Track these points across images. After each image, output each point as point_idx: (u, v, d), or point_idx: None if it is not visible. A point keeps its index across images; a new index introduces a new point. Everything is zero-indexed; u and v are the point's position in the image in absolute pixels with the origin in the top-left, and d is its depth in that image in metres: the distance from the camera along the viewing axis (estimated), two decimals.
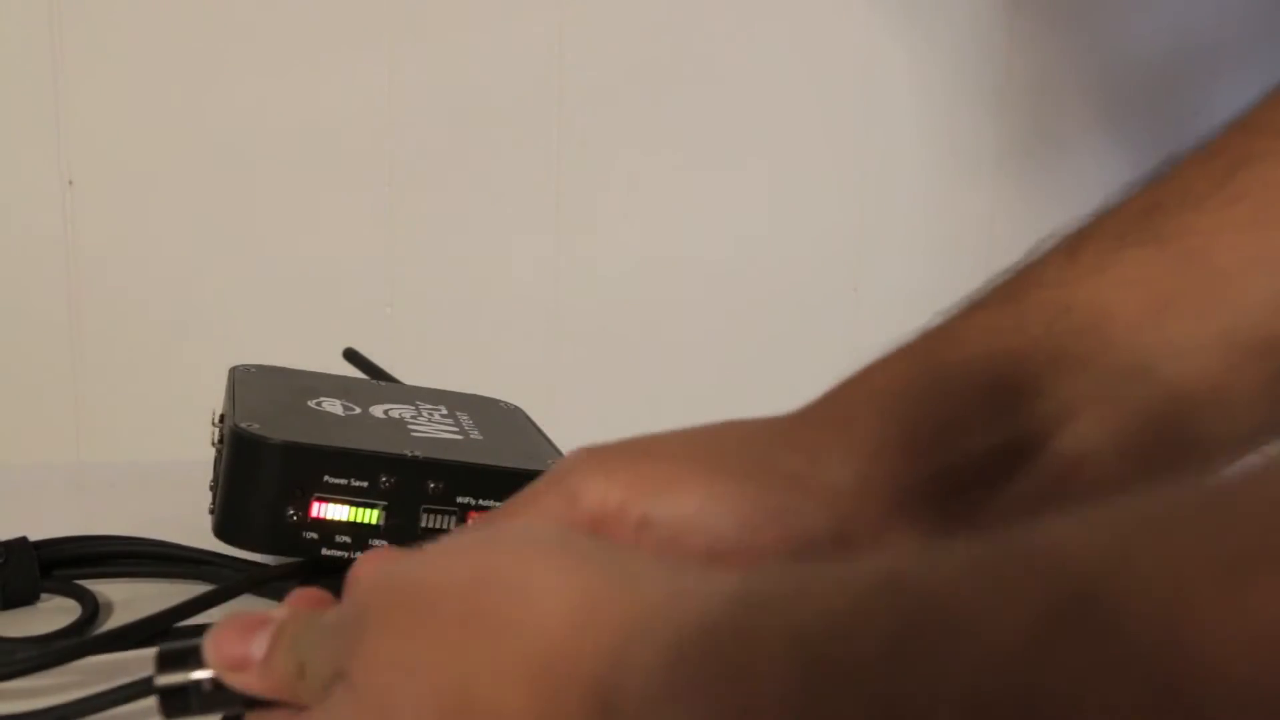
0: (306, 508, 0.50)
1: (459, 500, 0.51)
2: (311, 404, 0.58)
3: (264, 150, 0.91)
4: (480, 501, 0.51)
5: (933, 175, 0.96)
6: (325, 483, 0.50)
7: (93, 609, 0.51)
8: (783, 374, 0.97)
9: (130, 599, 0.53)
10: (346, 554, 0.50)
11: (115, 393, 0.93)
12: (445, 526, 0.50)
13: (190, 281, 0.92)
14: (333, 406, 0.57)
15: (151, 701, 0.33)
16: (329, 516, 0.50)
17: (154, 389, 0.93)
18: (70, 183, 0.90)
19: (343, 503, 0.50)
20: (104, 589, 0.53)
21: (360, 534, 0.50)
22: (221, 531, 0.51)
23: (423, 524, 0.50)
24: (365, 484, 0.50)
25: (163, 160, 0.90)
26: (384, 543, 0.50)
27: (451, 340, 0.88)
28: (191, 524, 0.57)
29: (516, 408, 0.65)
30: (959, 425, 0.37)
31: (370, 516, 0.50)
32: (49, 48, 0.88)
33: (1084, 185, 0.94)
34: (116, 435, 0.93)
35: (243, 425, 0.52)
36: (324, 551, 0.50)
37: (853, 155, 0.95)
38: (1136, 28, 0.95)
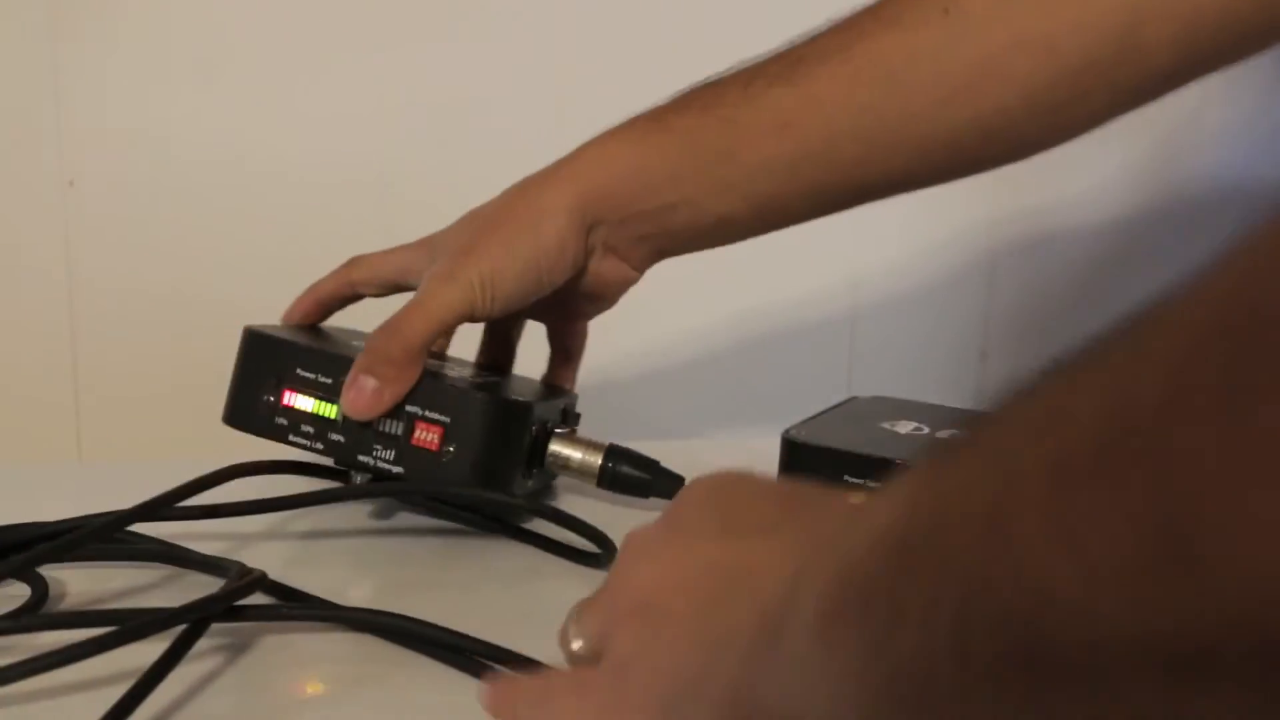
0: (279, 396, 0.59)
1: (408, 409, 0.57)
2: (324, 328, 0.66)
3: (263, 151, 0.91)
4: (425, 412, 0.57)
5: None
6: (296, 375, 0.59)
7: (41, 594, 0.50)
8: (783, 372, 0.97)
9: (89, 587, 0.52)
10: (308, 444, 0.58)
11: (115, 393, 0.93)
12: (394, 431, 0.57)
13: (190, 281, 0.92)
14: (340, 334, 0.66)
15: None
16: (297, 406, 0.59)
17: (154, 389, 0.93)
18: (70, 183, 0.90)
19: (309, 396, 0.58)
20: (65, 575, 0.53)
21: (320, 425, 0.58)
22: (227, 416, 0.63)
23: (376, 426, 0.57)
24: (329, 381, 0.58)
25: (163, 160, 0.90)
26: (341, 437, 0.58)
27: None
28: (191, 524, 0.57)
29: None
30: (645, 193, 0.59)
31: (330, 411, 0.58)
32: (49, 48, 0.88)
33: (1083, 183, 0.94)
34: (116, 435, 0.93)
35: (252, 326, 0.63)
36: (290, 438, 0.59)
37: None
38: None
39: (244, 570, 0.50)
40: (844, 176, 0.60)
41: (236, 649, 0.48)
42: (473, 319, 0.60)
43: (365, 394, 0.56)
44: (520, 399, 0.59)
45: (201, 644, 0.46)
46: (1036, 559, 0.21)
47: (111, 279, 0.91)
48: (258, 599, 0.50)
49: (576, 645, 0.39)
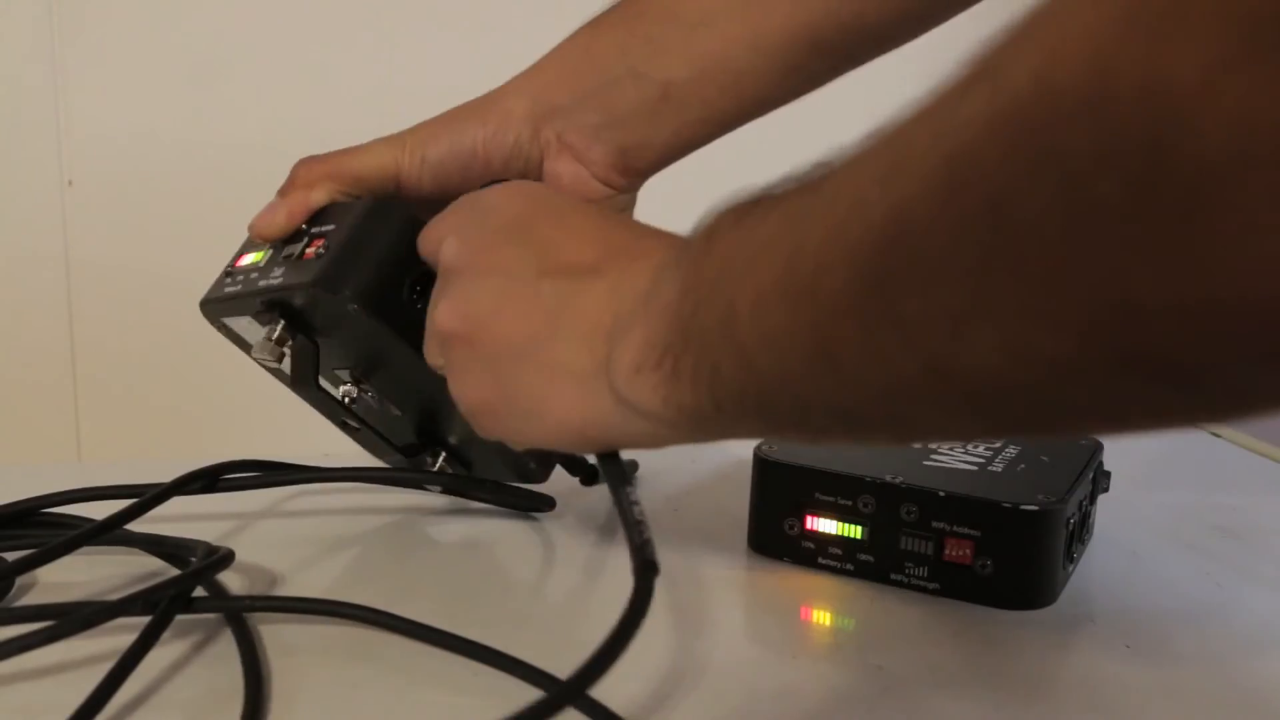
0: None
1: (310, 230, 0.54)
2: None
3: (263, 150, 0.91)
4: (318, 228, 0.54)
5: None
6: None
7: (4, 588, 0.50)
8: None
9: (66, 578, 0.53)
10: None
11: (114, 393, 0.92)
12: (295, 253, 0.53)
13: (189, 281, 0.92)
14: None
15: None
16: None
17: (153, 389, 0.93)
18: (70, 183, 0.90)
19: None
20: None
21: None
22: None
23: (284, 252, 0.54)
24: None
25: (162, 161, 0.90)
26: None
27: None
28: (192, 524, 0.57)
29: None
30: (591, 69, 0.57)
31: None
32: (49, 49, 0.88)
33: None
34: (116, 435, 0.93)
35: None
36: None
37: None
38: None
39: (210, 549, 0.51)
40: (786, 23, 0.55)
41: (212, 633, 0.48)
42: (399, 183, 0.57)
43: (267, 212, 0.56)
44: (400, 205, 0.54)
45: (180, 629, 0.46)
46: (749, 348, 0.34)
47: (111, 278, 0.91)
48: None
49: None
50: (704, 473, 0.70)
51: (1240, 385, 0.24)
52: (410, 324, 0.50)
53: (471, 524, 0.61)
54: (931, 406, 0.31)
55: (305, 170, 0.57)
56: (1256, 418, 0.26)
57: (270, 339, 0.53)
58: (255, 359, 0.55)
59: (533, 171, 0.57)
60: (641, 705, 0.45)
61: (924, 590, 0.54)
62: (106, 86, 0.89)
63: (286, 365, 0.54)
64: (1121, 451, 0.60)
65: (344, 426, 0.60)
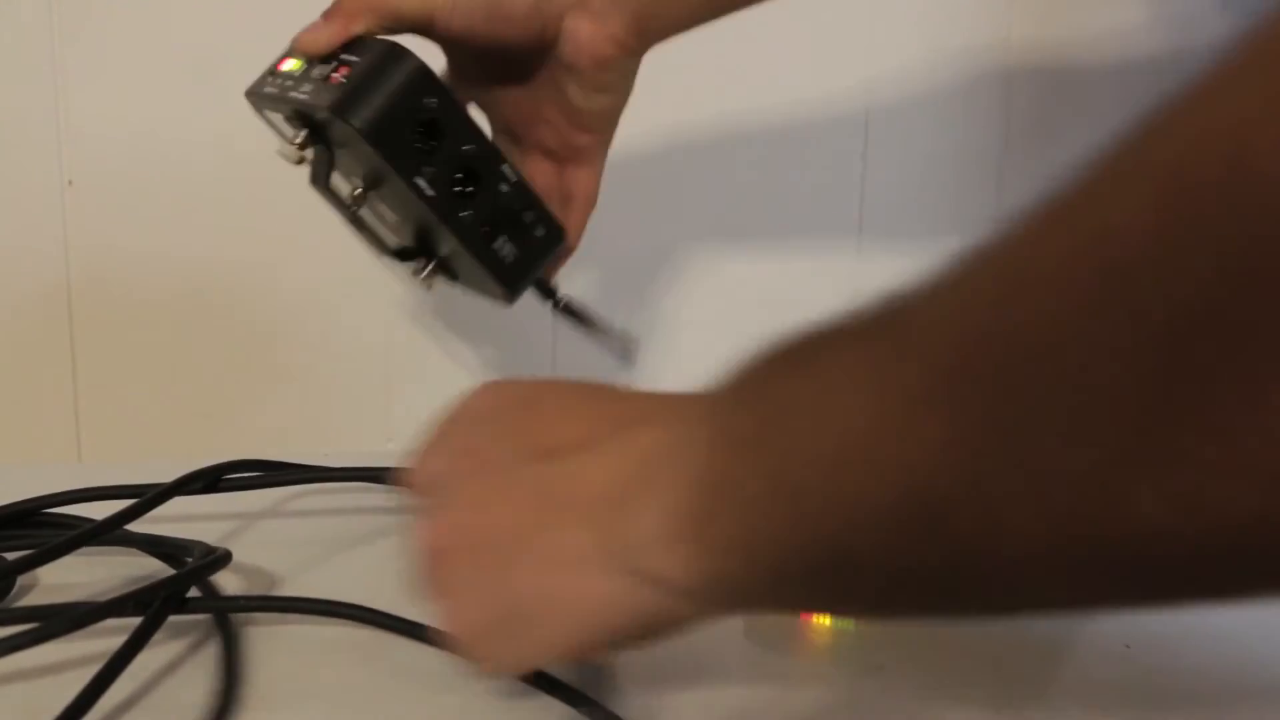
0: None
1: (341, 55, 0.58)
2: None
3: (263, 151, 0.91)
4: (347, 56, 0.58)
5: (935, 170, 0.96)
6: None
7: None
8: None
9: (65, 579, 0.53)
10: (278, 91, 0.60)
11: (115, 393, 0.92)
12: (324, 75, 0.57)
13: (190, 282, 0.92)
14: None
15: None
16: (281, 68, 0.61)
17: (154, 389, 0.93)
18: (70, 182, 0.90)
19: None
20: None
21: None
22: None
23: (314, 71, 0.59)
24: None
25: (162, 160, 0.90)
26: None
27: (450, 339, 0.88)
28: (194, 525, 0.58)
29: None
30: None
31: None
32: (49, 47, 0.88)
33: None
34: (116, 435, 0.93)
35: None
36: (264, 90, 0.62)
37: (853, 151, 0.95)
38: (1141, 20, 0.94)
39: (207, 550, 0.51)
40: None
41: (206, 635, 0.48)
42: (433, 25, 0.59)
43: (311, 31, 0.59)
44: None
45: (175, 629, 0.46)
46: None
47: (111, 279, 0.91)
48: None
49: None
50: None
51: None
52: (409, 158, 0.55)
53: None
54: (1061, 578, 0.25)
55: (350, 1, 0.59)
56: None
57: (293, 142, 0.59)
58: (279, 154, 0.62)
59: (551, 26, 0.58)
60: (641, 705, 0.45)
61: None
62: (107, 87, 0.89)
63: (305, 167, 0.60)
64: None
65: (351, 222, 0.62)
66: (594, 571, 0.34)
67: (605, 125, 0.61)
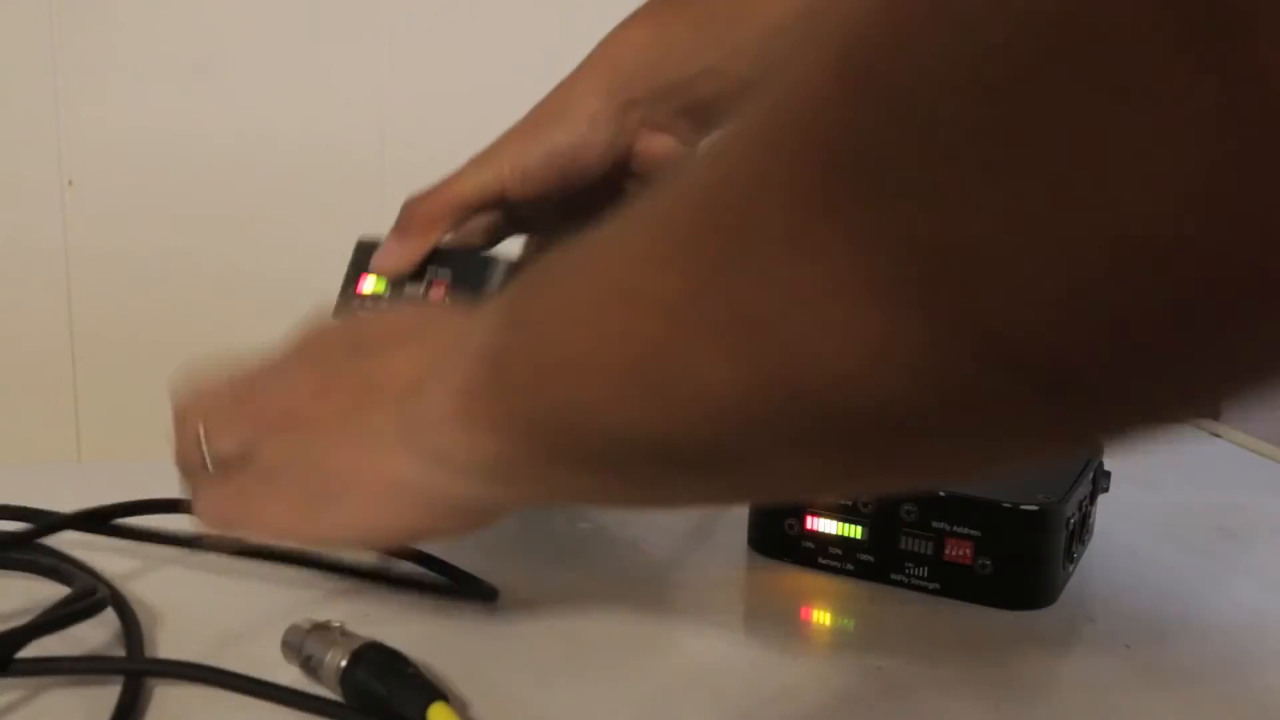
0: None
1: (428, 269, 0.58)
2: None
3: (261, 151, 0.91)
4: (439, 270, 0.59)
5: None
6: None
7: None
8: None
9: None
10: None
11: (114, 392, 0.92)
12: (417, 294, 0.58)
13: (189, 281, 0.92)
14: None
15: None
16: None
17: (153, 389, 0.93)
18: (70, 183, 0.90)
19: None
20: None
21: None
22: None
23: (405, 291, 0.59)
24: None
25: (161, 161, 0.90)
26: None
27: None
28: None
29: None
30: (669, 66, 0.59)
31: None
32: (49, 49, 0.88)
33: None
34: (116, 435, 0.93)
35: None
36: None
37: None
38: None
39: (87, 589, 0.47)
40: None
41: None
42: (504, 198, 0.60)
43: (390, 254, 0.59)
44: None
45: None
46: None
47: (111, 278, 0.91)
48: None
49: (220, 450, 0.42)
50: None
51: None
52: None
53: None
54: (770, 436, 0.26)
55: (420, 210, 0.59)
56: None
57: None
58: None
59: (624, 155, 0.60)
60: (642, 705, 0.45)
61: (924, 590, 0.54)
62: (107, 88, 0.89)
63: None
64: (1122, 452, 0.60)
65: None
66: (396, 450, 0.37)
67: None
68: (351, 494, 0.38)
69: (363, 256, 0.62)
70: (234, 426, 0.43)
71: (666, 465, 0.30)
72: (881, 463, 0.26)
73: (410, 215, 0.59)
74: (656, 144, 0.61)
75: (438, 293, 0.57)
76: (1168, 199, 0.17)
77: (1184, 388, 0.20)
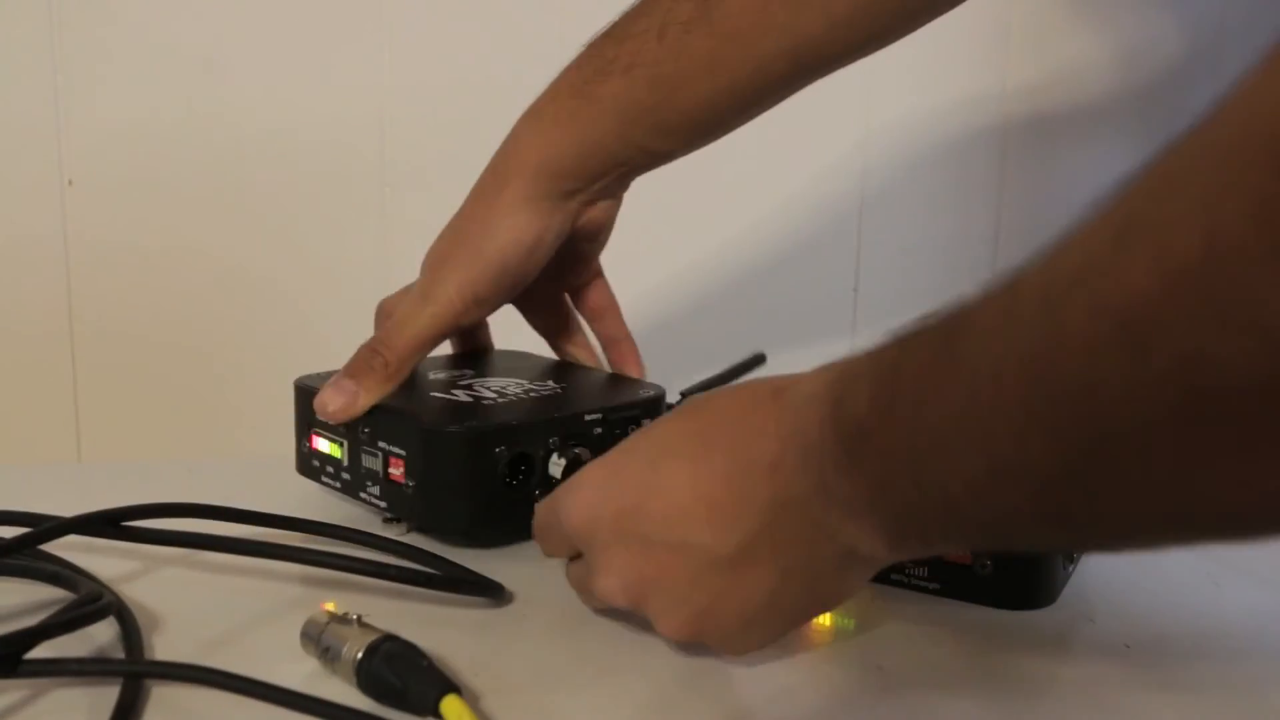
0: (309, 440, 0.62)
1: (380, 444, 0.58)
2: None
3: (261, 151, 0.91)
4: (390, 445, 0.58)
5: (934, 175, 0.96)
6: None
7: None
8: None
9: None
10: (330, 482, 0.61)
11: (114, 392, 0.92)
12: (375, 467, 0.59)
13: (189, 280, 0.92)
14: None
15: None
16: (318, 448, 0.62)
17: (153, 389, 0.93)
18: (70, 182, 0.90)
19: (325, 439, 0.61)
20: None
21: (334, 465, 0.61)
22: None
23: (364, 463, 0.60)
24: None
25: (161, 160, 0.90)
26: None
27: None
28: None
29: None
30: (595, 162, 0.61)
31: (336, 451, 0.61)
32: (49, 48, 0.88)
33: (1087, 185, 0.94)
34: (116, 435, 0.93)
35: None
36: (320, 479, 0.62)
37: (853, 154, 0.95)
38: (1138, 28, 0.95)
39: (92, 596, 0.48)
40: (774, 89, 0.61)
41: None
42: (461, 327, 0.62)
43: (341, 394, 0.59)
44: (461, 426, 0.56)
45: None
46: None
47: (111, 278, 0.91)
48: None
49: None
50: None
51: None
52: (501, 499, 0.57)
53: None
54: (1179, 538, 0.31)
55: (379, 360, 0.60)
56: None
57: None
58: None
59: (566, 235, 0.63)
60: (642, 705, 0.45)
61: (924, 590, 0.54)
62: (107, 88, 0.89)
63: None
64: None
65: None
66: (845, 570, 0.42)
67: (605, 242, 0.68)
68: (820, 607, 0.47)
69: (306, 404, 0.62)
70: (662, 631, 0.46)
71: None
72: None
73: (368, 363, 0.60)
74: (596, 211, 0.64)
75: (396, 467, 0.57)
76: None
77: None
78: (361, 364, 0.59)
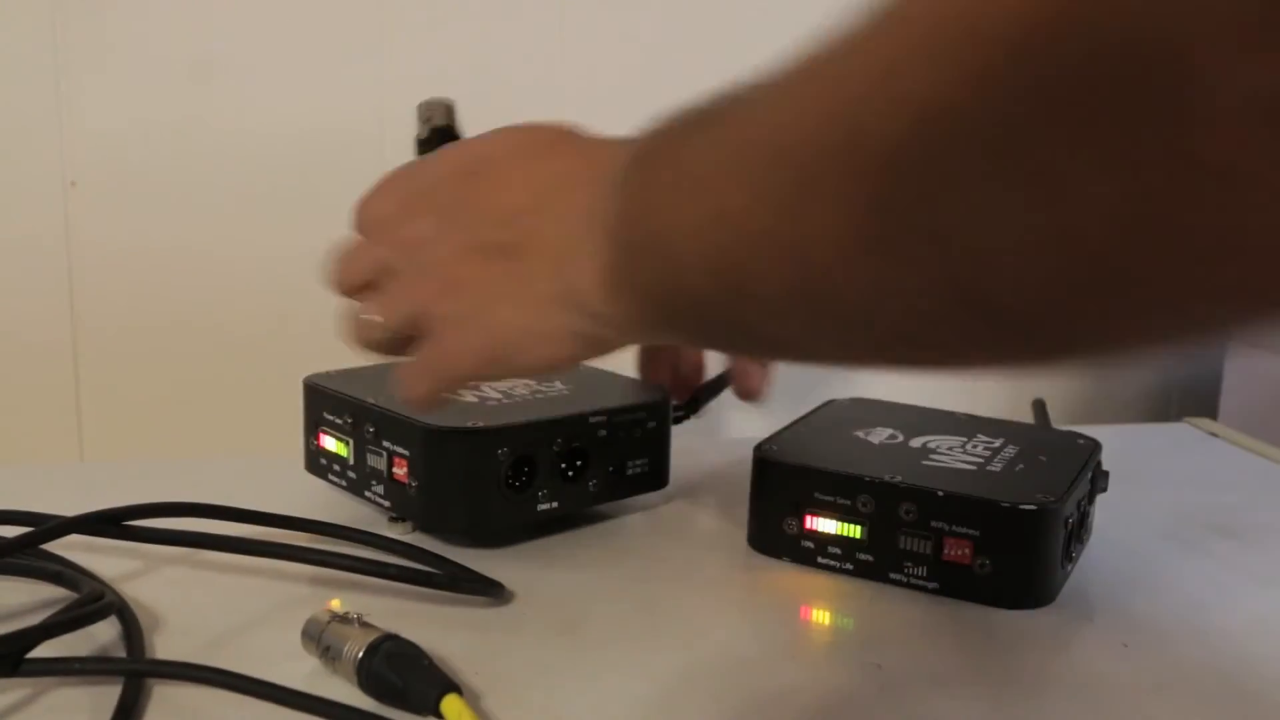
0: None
1: (383, 443, 0.58)
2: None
3: (262, 152, 0.91)
4: (395, 446, 0.58)
5: None
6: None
7: None
8: (783, 375, 0.97)
9: None
10: None
11: (115, 392, 0.93)
12: (380, 466, 0.59)
13: (191, 281, 0.92)
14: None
15: None
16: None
17: (156, 390, 0.93)
18: (72, 183, 0.90)
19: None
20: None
21: None
22: None
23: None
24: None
25: (163, 161, 0.90)
26: None
27: None
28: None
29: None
30: None
31: None
32: (52, 50, 0.88)
33: None
34: (116, 435, 0.93)
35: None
36: None
37: None
38: None
39: (95, 594, 0.48)
40: None
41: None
42: None
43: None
44: (462, 428, 0.56)
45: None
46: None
47: (112, 279, 0.91)
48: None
49: (399, 326, 0.47)
50: (704, 472, 0.70)
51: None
52: (503, 500, 0.57)
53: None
54: (949, 329, 0.28)
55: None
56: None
57: None
58: None
59: None
60: (642, 705, 0.45)
61: (923, 590, 0.54)
62: (109, 89, 0.89)
63: None
64: (1120, 451, 0.60)
65: None
66: (558, 309, 0.42)
67: None
68: (528, 346, 0.44)
69: (315, 402, 0.62)
70: (403, 305, 0.47)
71: (789, 348, 0.35)
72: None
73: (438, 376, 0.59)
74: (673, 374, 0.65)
75: (400, 467, 0.57)
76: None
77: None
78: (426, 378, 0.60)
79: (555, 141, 0.45)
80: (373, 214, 0.50)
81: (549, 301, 0.43)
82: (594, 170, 0.41)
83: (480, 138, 0.48)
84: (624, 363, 0.70)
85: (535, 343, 0.44)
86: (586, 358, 0.45)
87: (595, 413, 0.59)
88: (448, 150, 0.49)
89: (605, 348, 0.45)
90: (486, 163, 0.46)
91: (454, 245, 0.45)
